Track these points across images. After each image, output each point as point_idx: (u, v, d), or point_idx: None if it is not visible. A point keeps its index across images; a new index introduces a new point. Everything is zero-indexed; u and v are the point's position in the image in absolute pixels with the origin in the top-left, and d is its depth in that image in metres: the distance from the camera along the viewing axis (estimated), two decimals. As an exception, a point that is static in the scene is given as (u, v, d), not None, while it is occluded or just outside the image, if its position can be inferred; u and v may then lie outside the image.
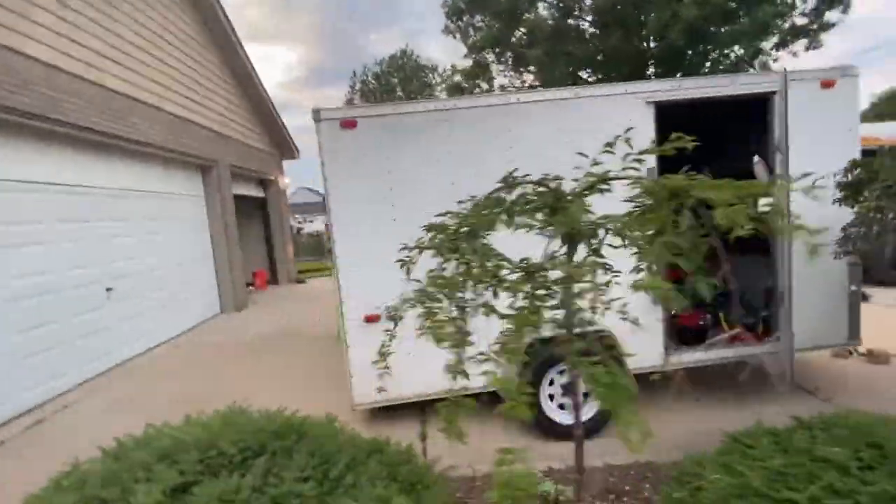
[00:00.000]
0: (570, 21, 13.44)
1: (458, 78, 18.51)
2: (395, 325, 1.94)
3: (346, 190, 3.61)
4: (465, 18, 16.86)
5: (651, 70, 15.52)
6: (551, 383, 3.66)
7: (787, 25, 12.24)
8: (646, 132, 3.68)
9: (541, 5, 16.98)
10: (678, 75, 15.86)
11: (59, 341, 5.00)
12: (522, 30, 15.71)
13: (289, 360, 5.87)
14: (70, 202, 5.34)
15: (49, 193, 5.07)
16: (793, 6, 12.03)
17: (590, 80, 16.05)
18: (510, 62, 17.29)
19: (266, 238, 12.24)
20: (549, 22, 13.07)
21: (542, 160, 3.67)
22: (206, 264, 8.42)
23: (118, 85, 5.98)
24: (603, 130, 3.87)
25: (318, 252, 18.40)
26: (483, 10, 16.90)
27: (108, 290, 5.81)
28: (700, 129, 1.92)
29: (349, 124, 3.56)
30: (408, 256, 1.73)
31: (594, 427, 3.63)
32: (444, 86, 36.18)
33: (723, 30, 11.42)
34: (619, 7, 12.54)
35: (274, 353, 6.25)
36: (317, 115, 3.56)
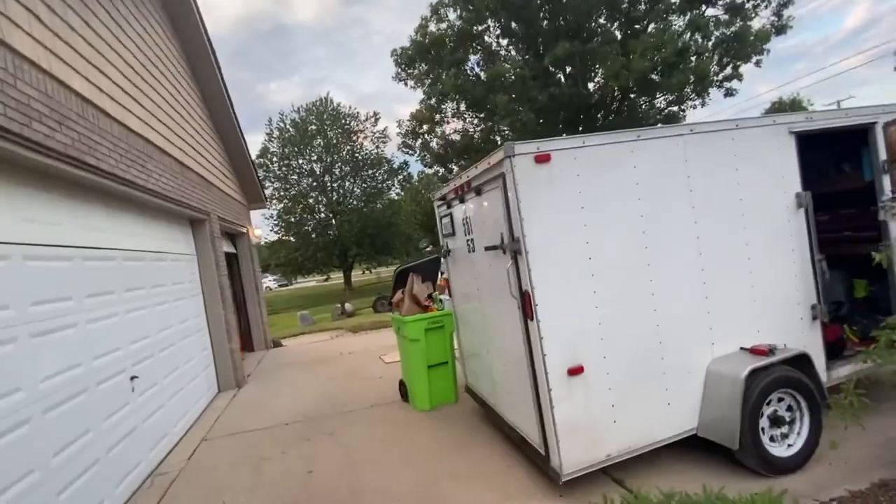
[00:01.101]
0: (530, 70, 14.49)
1: (408, 123, 18.60)
2: None
3: (542, 228, 3.24)
4: (415, 67, 17.18)
5: (584, 115, 17.02)
6: (761, 415, 3.48)
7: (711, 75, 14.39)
8: (790, 159, 3.91)
9: (474, 58, 18.02)
10: (608, 119, 17.56)
11: (95, 457, 3.72)
12: (474, 78, 16.39)
13: (367, 444, 4.83)
14: (98, 269, 4.15)
15: (77, 261, 3.89)
16: (710, 60, 14.18)
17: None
18: (462, 107, 17.85)
19: (235, 298, 10.73)
20: (518, 70, 13.93)
21: (715, 188, 3.69)
22: (202, 335, 7.05)
23: (138, 126, 4.93)
24: (759, 155, 4.03)
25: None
26: (429, 60, 17.41)
27: (133, 378, 4.53)
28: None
29: (543, 158, 3.24)
30: None
31: (803, 458, 3.52)
32: (367, 133, 36.23)
33: (666, 80, 13.06)
34: (571, 58, 13.75)
35: (335, 436, 5.15)
36: (510, 150, 3.19)
